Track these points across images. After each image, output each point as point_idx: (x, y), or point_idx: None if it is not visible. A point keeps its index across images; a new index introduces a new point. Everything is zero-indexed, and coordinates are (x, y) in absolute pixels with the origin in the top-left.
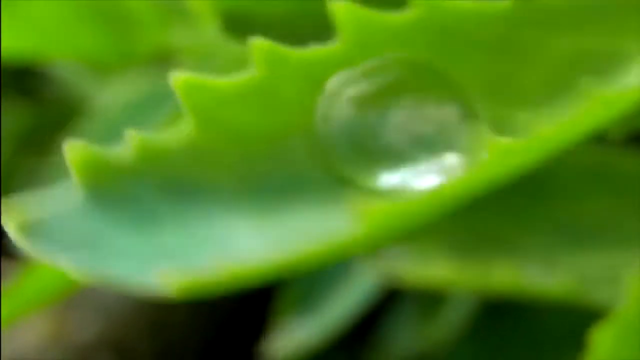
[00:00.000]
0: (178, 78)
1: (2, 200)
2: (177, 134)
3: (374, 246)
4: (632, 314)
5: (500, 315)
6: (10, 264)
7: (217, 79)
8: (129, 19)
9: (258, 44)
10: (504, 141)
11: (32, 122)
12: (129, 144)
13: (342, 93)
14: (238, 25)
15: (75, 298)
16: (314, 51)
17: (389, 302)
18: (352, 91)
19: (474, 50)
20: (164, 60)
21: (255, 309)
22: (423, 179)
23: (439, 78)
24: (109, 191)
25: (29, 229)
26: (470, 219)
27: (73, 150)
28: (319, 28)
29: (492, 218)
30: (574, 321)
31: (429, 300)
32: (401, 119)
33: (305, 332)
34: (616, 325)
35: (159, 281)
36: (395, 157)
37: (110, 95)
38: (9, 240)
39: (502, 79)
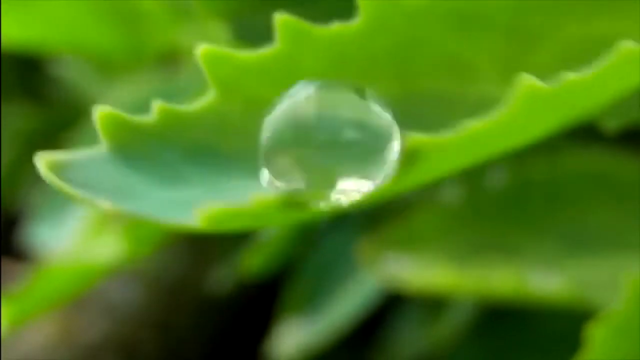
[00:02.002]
0: (203, 49)
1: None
2: (200, 103)
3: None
4: (628, 313)
5: (502, 318)
6: (19, 266)
7: (241, 52)
8: (138, 18)
9: (282, 18)
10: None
11: (39, 123)
12: (154, 112)
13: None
14: (246, 31)
15: (82, 300)
16: (335, 28)
17: (393, 304)
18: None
19: (486, 32)
20: (171, 59)
21: (260, 310)
22: None
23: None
24: (134, 151)
25: (59, 169)
26: (471, 225)
27: (101, 114)
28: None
29: (492, 224)
30: (574, 325)
31: (432, 302)
32: None
33: (310, 332)
34: (612, 323)
35: (192, 216)
36: None
37: (117, 96)
38: (18, 243)
39: (512, 60)
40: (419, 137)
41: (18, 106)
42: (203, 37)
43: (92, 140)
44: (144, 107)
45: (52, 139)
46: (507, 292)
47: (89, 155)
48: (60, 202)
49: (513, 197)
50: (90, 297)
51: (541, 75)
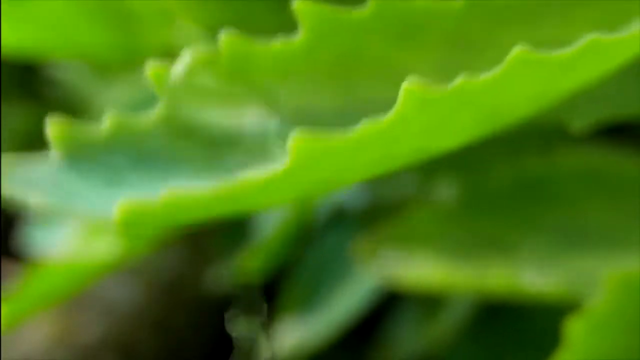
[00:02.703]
0: (150, 67)
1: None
2: (150, 114)
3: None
4: (606, 309)
5: (498, 315)
6: (15, 266)
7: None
8: (132, 18)
9: (227, 38)
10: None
11: (36, 122)
12: (105, 121)
13: None
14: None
15: (80, 299)
16: (278, 44)
17: (391, 302)
18: None
19: (426, 43)
20: (167, 59)
21: (258, 309)
22: None
23: None
24: (85, 157)
25: (11, 169)
26: (467, 223)
27: (53, 124)
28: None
29: (488, 222)
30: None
31: (430, 301)
32: None
33: (308, 331)
34: (590, 318)
35: (112, 210)
36: None
37: (112, 95)
38: (16, 244)
39: (454, 67)
40: (311, 137)
41: (17, 107)
42: (196, 35)
43: None
44: (141, 107)
45: None
46: (502, 289)
47: (42, 160)
48: None
49: (508, 195)
50: (89, 297)
51: None
